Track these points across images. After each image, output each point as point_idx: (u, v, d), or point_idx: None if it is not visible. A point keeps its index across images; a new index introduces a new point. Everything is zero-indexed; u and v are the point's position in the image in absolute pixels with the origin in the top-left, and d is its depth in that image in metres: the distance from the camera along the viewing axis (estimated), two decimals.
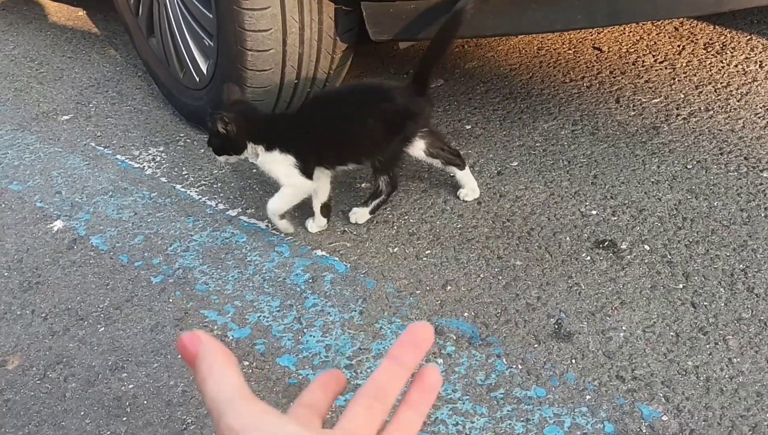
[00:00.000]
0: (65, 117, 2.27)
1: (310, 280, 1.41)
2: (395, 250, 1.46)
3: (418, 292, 1.33)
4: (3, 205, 1.82)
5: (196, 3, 1.71)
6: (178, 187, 1.79)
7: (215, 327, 1.33)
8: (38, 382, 1.27)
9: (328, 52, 1.72)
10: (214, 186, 1.78)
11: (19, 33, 3.11)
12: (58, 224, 1.72)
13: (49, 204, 1.80)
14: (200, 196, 1.75)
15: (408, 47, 2.28)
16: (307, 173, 1.43)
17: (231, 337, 1.30)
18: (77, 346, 1.34)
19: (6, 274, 1.57)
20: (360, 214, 1.54)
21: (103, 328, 1.37)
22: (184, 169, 1.87)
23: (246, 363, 1.24)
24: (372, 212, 1.53)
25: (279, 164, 1.44)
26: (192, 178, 1.82)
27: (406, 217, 1.55)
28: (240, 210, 1.67)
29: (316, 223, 1.54)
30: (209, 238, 1.59)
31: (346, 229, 1.55)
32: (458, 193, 1.55)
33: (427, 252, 1.43)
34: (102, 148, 2.04)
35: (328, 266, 1.44)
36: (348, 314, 1.31)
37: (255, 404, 0.37)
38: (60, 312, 1.43)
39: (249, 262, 1.49)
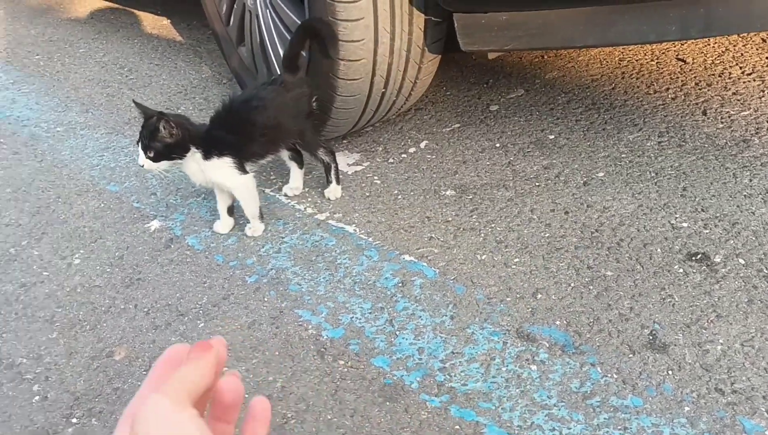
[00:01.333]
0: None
1: (400, 284, 1.44)
2: (483, 257, 1.48)
3: (508, 299, 1.35)
4: (102, 205, 1.92)
5: (289, 13, 1.77)
6: (267, 190, 1.85)
7: (309, 326, 1.38)
8: (144, 373, 1.34)
9: (416, 62, 1.76)
10: (302, 190, 1.83)
11: (108, 41, 3.26)
12: (155, 224, 1.80)
13: (146, 204, 1.89)
14: (289, 200, 1.81)
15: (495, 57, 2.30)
16: (243, 170, 1.58)
17: (325, 337, 1.35)
18: (179, 340, 1.41)
19: (108, 270, 1.65)
20: (334, 190, 1.76)
21: (202, 324, 1.44)
22: (272, 173, 1.93)
23: (341, 362, 1.28)
24: (338, 182, 1.76)
25: (223, 167, 1.55)
26: (280, 183, 1.88)
27: (492, 226, 1.57)
28: (328, 214, 1.72)
29: (226, 223, 1.70)
30: (299, 241, 1.64)
31: (433, 235, 1.58)
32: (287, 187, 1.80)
33: (515, 260, 1.45)
34: None
35: (417, 271, 1.47)
36: (439, 318, 1.33)
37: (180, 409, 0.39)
38: (161, 307, 1.51)
39: (339, 265, 1.53)
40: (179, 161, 1.52)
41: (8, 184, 2.10)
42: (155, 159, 1.50)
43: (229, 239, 1.69)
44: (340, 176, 1.78)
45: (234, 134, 1.58)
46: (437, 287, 1.42)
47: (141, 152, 1.50)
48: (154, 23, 3.42)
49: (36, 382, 1.36)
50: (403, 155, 1.92)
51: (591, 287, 1.35)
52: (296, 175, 1.80)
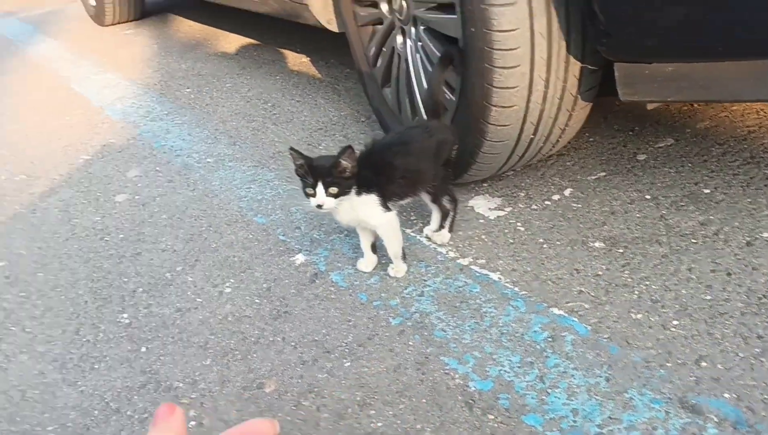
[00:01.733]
0: None
1: (550, 339, 1.41)
2: (638, 316, 1.42)
3: (668, 364, 1.28)
4: (250, 236, 2.00)
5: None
6: (408, 231, 1.87)
7: (456, 375, 1.37)
8: (293, 408, 1.37)
9: (567, 110, 1.73)
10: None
11: (252, 76, 3.43)
12: (300, 258, 1.85)
13: (291, 238, 1.96)
14: (430, 243, 1.81)
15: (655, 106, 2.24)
16: (387, 208, 1.61)
17: (473, 388, 1.33)
18: (326, 377, 1.43)
19: (257, 301, 1.71)
20: (444, 236, 1.79)
21: (348, 363, 1.46)
22: (412, 214, 1.95)
23: (491, 416, 1.25)
24: (450, 230, 1.79)
25: (369, 204, 1.58)
26: (421, 224, 1.89)
27: (647, 283, 1.51)
28: (471, 259, 1.71)
29: (370, 261, 1.72)
30: (442, 285, 1.64)
31: (582, 289, 1.53)
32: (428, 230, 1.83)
33: (674, 322, 1.38)
34: None
35: (568, 326, 1.43)
36: (593, 379, 1.29)
37: None
38: (308, 343, 1.54)
39: (485, 314, 1.52)
40: (346, 198, 1.54)
41: (164, 210, 2.24)
42: (337, 195, 1.52)
43: (372, 278, 1.71)
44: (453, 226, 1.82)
45: (378, 174, 1.61)
46: (590, 345, 1.37)
47: (320, 191, 1.51)
48: (294, 60, 3.58)
49: (192, 407, 1.42)
50: (547, 202, 1.88)
51: (763, 359, 1.26)
52: (437, 217, 1.81)
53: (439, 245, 1.79)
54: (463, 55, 1.69)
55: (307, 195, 1.54)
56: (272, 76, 3.38)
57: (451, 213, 1.79)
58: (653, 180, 1.88)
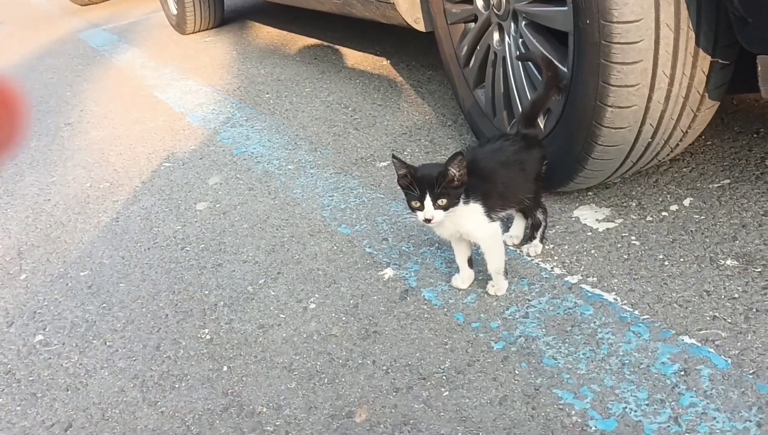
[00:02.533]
0: (382, 163, 2.33)
1: (682, 373, 1.22)
2: None
3: None
4: (335, 248, 1.88)
5: (549, 56, 1.62)
6: (509, 245, 1.71)
7: (573, 412, 1.20)
8: None
9: (692, 110, 1.53)
10: (546, 247, 1.66)
11: (331, 81, 3.33)
12: (389, 272, 1.72)
13: (378, 250, 1.82)
14: (532, 258, 1.64)
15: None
16: (491, 219, 1.47)
17: (594, 428, 1.15)
18: (423, 408, 1.29)
19: (344, 318, 1.59)
20: (535, 247, 1.65)
21: (446, 393, 1.31)
22: (509, 224, 1.79)
23: None
24: (542, 241, 1.66)
25: (474, 214, 1.44)
26: (522, 238, 1.72)
27: None
28: (580, 277, 1.54)
29: (466, 277, 1.58)
30: (549, 306, 1.47)
31: (716, 314, 1.33)
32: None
33: None
34: None
35: (703, 359, 1.24)
36: (741, 423, 1.09)
37: None
38: (401, 367, 1.40)
39: (601, 341, 1.34)
40: (455, 209, 1.41)
41: (245, 219, 2.15)
42: (445, 208, 1.39)
43: (468, 296, 1.56)
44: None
45: (482, 182, 1.47)
46: (732, 382, 1.17)
47: (428, 204, 1.38)
48: (374, 63, 3.47)
49: (276, 434, 1.31)
50: (664, 213, 1.68)
51: None
52: (519, 224, 1.66)
53: (534, 258, 1.62)
54: (573, 53, 1.51)
55: (413, 208, 1.41)
56: (352, 79, 3.28)
57: (543, 223, 1.65)
58: None
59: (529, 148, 1.56)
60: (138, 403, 1.48)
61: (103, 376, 1.59)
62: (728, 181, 1.75)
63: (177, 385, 1.50)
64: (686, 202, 1.71)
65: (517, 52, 1.79)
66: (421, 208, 1.39)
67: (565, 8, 1.51)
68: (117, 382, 1.56)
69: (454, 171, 1.37)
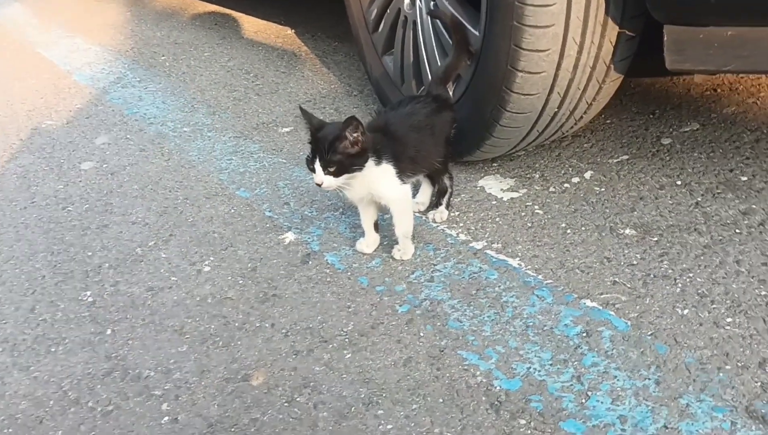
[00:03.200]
0: (285, 129, 2.25)
1: (584, 334, 1.22)
2: (685, 311, 1.24)
3: (727, 367, 1.11)
4: (233, 211, 1.79)
5: (461, 20, 1.59)
6: (415, 212, 1.67)
7: (478, 372, 1.18)
8: (286, 404, 1.17)
9: (598, 81, 1.55)
10: (452, 214, 1.64)
11: (232, 47, 3.20)
12: (290, 236, 1.64)
13: (279, 214, 1.75)
14: (438, 224, 1.62)
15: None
16: (402, 181, 1.43)
17: (499, 387, 1.14)
18: (324, 370, 1.23)
19: (241, 281, 1.50)
20: (441, 213, 1.62)
21: (349, 355, 1.26)
22: (416, 192, 1.75)
23: (522, 422, 1.07)
24: (447, 207, 1.62)
25: (386, 176, 1.40)
26: (428, 204, 1.69)
27: (690, 275, 1.33)
28: (485, 243, 1.53)
29: (371, 242, 1.53)
30: (454, 271, 1.45)
31: (617, 279, 1.35)
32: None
33: (728, 320, 1.21)
34: None
35: (604, 321, 1.25)
36: (641, 381, 1.11)
37: None
38: (301, 330, 1.34)
39: (506, 304, 1.33)
40: (357, 174, 1.35)
41: (135, 180, 2.01)
42: (336, 173, 1.33)
43: (373, 261, 1.51)
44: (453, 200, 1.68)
45: (394, 144, 1.42)
46: (632, 342, 1.19)
47: (318, 168, 1.32)
48: (278, 32, 3.35)
49: (165, 400, 1.21)
50: (566, 185, 1.70)
51: None
52: (426, 190, 1.65)
53: (439, 224, 1.60)
54: (485, 15, 1.49)
55: (309, 169, 1.35)
56: (254, 47, 3.15)
57: (449, 190, 1.63)
58: (682, 165, 1.71)
59: (440, 111, 1.53)
60: (8, 368, 1.34)
61: None
62: (626, 156, 1.79)
63: (53, 349, 1.37)
64: (587, 175, 1.74)
65: (428, 17, 1.75)
66: (314, 171, 1.33)
67: None
68: None
69: (349, 136, 1.32)
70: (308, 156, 1.36)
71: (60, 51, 3.42)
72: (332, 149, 1.31)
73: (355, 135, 1.32)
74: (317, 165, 1.32)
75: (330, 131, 1.34)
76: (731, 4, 1.22)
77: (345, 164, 1.32)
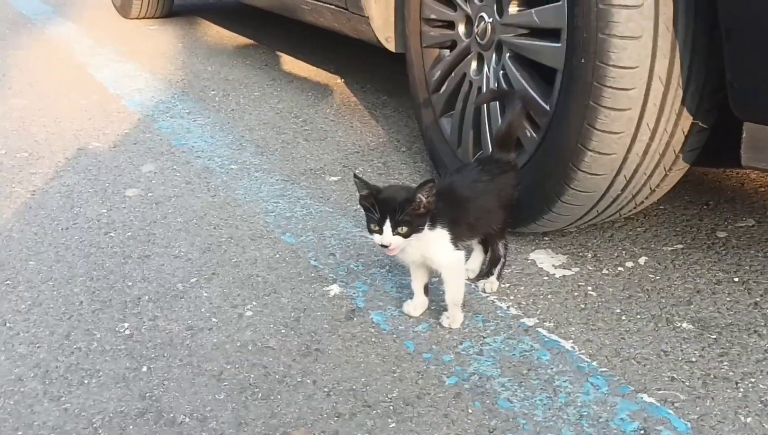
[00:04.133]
0: (333, 178, 2.24)
1: (642, 431, 1.17)
2: (748, 420, 1.19)
3: None
4: (277, 256, 1.76)
5: (531, 92, 1.59)
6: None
7: None
8: None
9: (665, 169, 1.53)
10: (501, 286, 1.61)
11: (282, 89, 3.23)
12: (335, 289, 1.61)
13: (324, 265, 1.72)
14: (487, 294, 1.58)
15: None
16: (456, 247, 1.41)
17: None
18: None
19: (283, 331, 1.47)
20: (491, 283, 1.58)
21: (393, 424, 1.21)
22: (468, 259, 1.72)
23: None
24: (498, 278, 1.59)
25: (441, 241, 1.38)
26: (478, 272, 1.66)
27: (752, 380, 1.28)
28: (536, 320, 1.48)
29: (419, 304, 1.50)
30: (505, 346, 1.40)
31: (675, 375, 1.30)
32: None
33: None
34: None
35: (663, 419, 1.19)
36: None
37: None
38: (344, 391, 1.29)
39: (558, 389, 1.28)
40: (419, 235, 1.34)
41: (179, 213, 2.00)
42: (406, 235, 1.31)
43: (420, 325, 1.48)
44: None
45: (453, 210, 1.40)
46: None
47: (387, 230, 1.30)
48: (328, 80, 3.39)
49: None
50: (620, 268, 1.67)
51: None
52: (477, 257, 1.61)
53: (489, 294, 1.56)
54: (559, 91, 1.49)
55: (371, 231, 1.33)
56: (304, 92, 3.18)
57: (503, 259, 1.59)
58: (739, 262, 1.67)
59: (504, 173, 1.52)
60: (38, 395, 1.30)
61: None
62: (681, 246, 1.76)
63: (86, 381, 1.33)
64: (641, 260, 1.70)
65: (495, 85, 1.74)
66: (380, 232, 1.31)
67: (559, 45, 1.48)
68: (14, 370, 1.37)
69: (422, 198, 1.31)
70: (369, 220, 1.33)
71: (111, 74, 3.47)
72: (402, 210, 1.29)
73: (429, 198, 1.31)
74: (386, 226, 1.29)
75: (397, 193, 1.33)
76: None
77: (413, 225, 1.31)
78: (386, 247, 1.31)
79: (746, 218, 1.89)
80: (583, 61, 1.40)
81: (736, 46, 1.26)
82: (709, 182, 2.13)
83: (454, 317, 1.45)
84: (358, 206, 1.37)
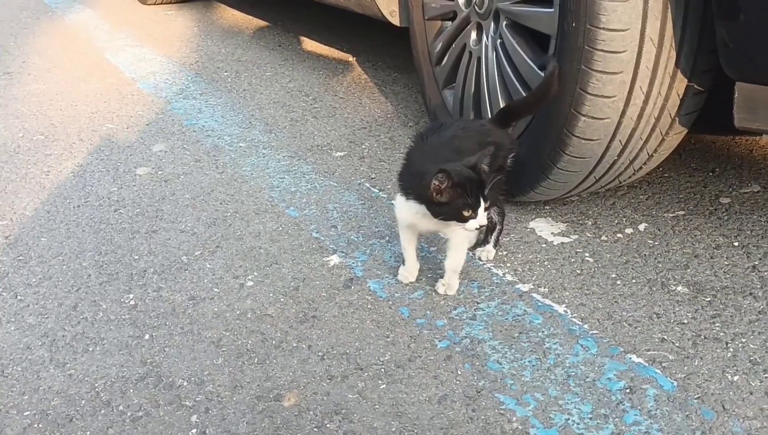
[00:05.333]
0: (339, 153, 2.26)
1: (627, 390, 1.18)
2: (735, 378, 1.19)
3: None
4: (280, 229, 1.79)
5: (527, 59, 1.59)
6: None
7: (514, 418, 1.14)
8: (315, 429, 1.15)
9: (661, 133, 1.52)
10: (499, 253, 1.62)
11: (294, 69, 3.25)
12: (335, 259, 1.64)
13: (325, 236, 1.74)
14: (484, 262, 1.59)
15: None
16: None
17: None
18: (357, 399, 1.21)
19: (282, 300, 1.50)
20: (488, 251, 1.59)
21: (384, 386, 1.24)
22: None
23: None
24: (495, 246, 1.59)
25: None
26: (476, 240, 1.67)
27: (743, 340, 1.28)
28: (531, 286, 1.49)
29: (415, 269, 1.51)
30: (498, 311, 1.42)
31: (665, 336, 1.31)
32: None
33: None
34: (377, 191, 1.97)
35: (649, 378, 1.20)
36: None
37: None
38: (338, 355, 1.32)
39: (548, 350, 1.29)
40: None
41: (188, 190, 2.04)
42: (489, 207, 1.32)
43: (416, 292, 1.50)
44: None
45: None
46: (677, 404, 1.14)
47: (481, 210, 1.28)
48: (340, 58, 3.40)
49: (195, 411, 1.20)
50: (619, 235, 1.67)
51: None
52: None
53: (486, 262, 1.57)
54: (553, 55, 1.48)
55: (463, 218, 1.29)
56: (315, 70, 3.20)
57: (498, 226, 1.59)
58: (741, 226, 1.66)
59: (489, 137, 1.48)
60: (44, 362, 1.35)
61: (8, 330, 1.45)
62: (683, 212, 1.75)
63: (91, 349, 1.38)
64: (641, 226, 1.70)
65: (494, 55, 1.74)
66: (474, 215, 1.28)
67: (551, 10, 1.48)
68: (23, 339, 1.42)
69: (485, 167, 1.30)
70: (463, 208, 1.28)
71: (127, 58, 3.53)
72: (484, 185, 1.28)
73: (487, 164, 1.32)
74: (481, 207, 1.28)
75: (470, 171, 1.29)
76: None
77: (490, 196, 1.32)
78: (478, 229, 1.31)
79: (752, 184, 1.88)
80: (574, 25, 1.40)
81: (726, 5, 1.24)
82: (716, 150, 2.11)
83: (450, 284, 1.47)
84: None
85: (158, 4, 4.81)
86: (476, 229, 1.31)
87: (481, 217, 1.28)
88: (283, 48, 3.65)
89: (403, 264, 1.52)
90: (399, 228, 1.48)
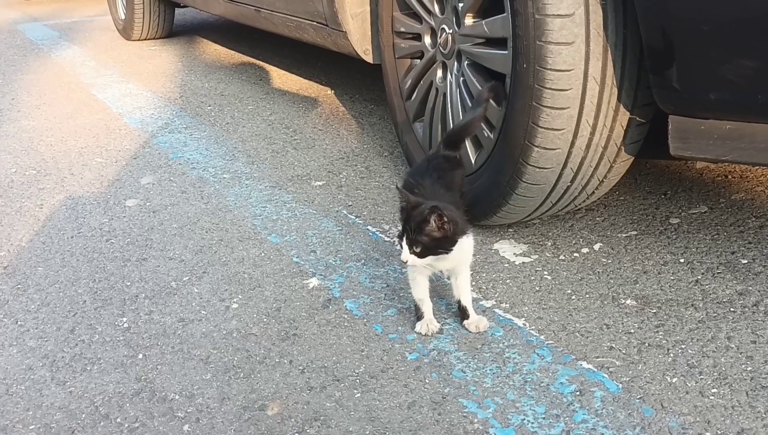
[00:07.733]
0: (318, 183, 2.40)
1: (577, 393, 1.32)
2: (674, 380, 1.33)
3: (707, 433, 1.19)
4: (263, 254, 1.92)
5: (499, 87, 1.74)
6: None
7: (475, 420, 1.27)
8: (297, 434, 1.27)
9: (609, 161, 1.68)
10: None
11: (274, 102, 3.40)
12: (314, 282, 1.77)
13: (305, 261, 1.87)
14: (450, 280, 1.73)
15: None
16: None
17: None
18: (334, 406, 1.33)
19: (265, 320, 1.62)
20: (477, 322, 1.54)
21: (359, 394, 1.36)
22: None
23: None
24: (475, 313, 1.57)
25: (472, 243, 1.46)
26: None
27: (683, 347, 1.42)
28: (494, 302, 1.63)
29: (433, 317, 1.53)
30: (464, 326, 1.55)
31: (613, 345, 1.45)
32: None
33: (713, 390, 1.29)
34: (353, 217, 2.11)
35: (597, 382, 1.34)
36: None
37: None
38: (317, 368, 1.45)
39: (508, 359, 1.43)
40: (444, 256, 1.38)
41: (175, 219, 2.16)
42: (420, 255, 1.36)
43: (389, 310, 1.63)
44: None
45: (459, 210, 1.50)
46: (621, 404, 1.28)
47: (405, 247, 1.36)
48: (319, 91, 3.56)
49: (187, 421, 1.32)
50: (575, 254, 1.81)
51: None
52: None
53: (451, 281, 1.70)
54: (508, 93, 1.64)
55: (399, 244, 1.39)
56: (295, 103, 3.35)
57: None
58: (687, 244, 1.81)
59: (453, 169, 1.63)
60: (46, 381, 1.46)
61: (11, 353, 1.56)
62: (635, 232, 1.90)
63: (89, 368, 1.50)
64: (596, 246, 1.84)
65: (457, 91, 1.90)
66: (401, 247, 1.37)
67: (506, 52, 1.64)
68: (25, 360, 1.53)
69: (433, 222, 1.32)
70: (399, 232, 1.40)
71: (113, 94, 3.66)
72: (418, 230, 1.33)
73: (439, 222, 1.33)
74: (404, 243, 1.36)
75: (420, 212, 1.34)
76: (728, 101, 1.35)
77: (430, 247, 1.35)
78: (405, 263, 1.38)
79: (700, 205, 2.04)
80: (525, 65, 1.56)
81: (653, 49, 1.41)
82: (669, 173, 2.27)
83: (481, 318, 1.53)
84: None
85: (143, 39, 4.96)
86: (403, 261, 1.38)
87: (404, 254, 1.36)
88: (264, 82, 3.80)
89: (416, 316, 1.53)
90: (409, 279, 1.51)
